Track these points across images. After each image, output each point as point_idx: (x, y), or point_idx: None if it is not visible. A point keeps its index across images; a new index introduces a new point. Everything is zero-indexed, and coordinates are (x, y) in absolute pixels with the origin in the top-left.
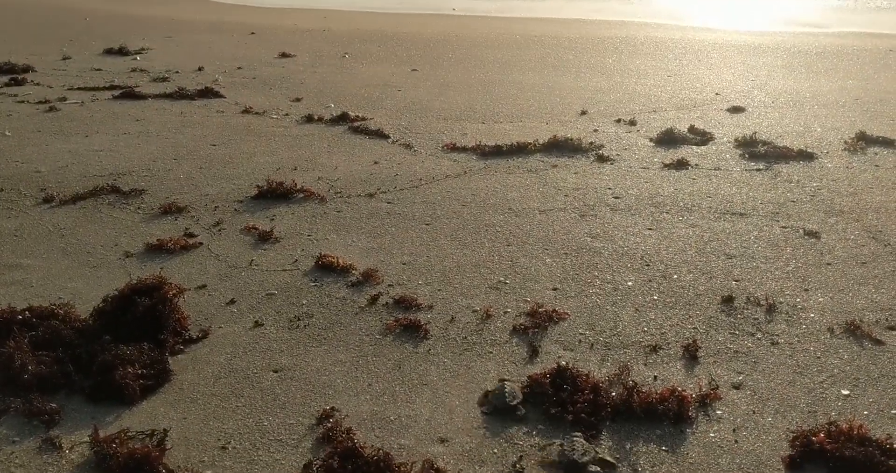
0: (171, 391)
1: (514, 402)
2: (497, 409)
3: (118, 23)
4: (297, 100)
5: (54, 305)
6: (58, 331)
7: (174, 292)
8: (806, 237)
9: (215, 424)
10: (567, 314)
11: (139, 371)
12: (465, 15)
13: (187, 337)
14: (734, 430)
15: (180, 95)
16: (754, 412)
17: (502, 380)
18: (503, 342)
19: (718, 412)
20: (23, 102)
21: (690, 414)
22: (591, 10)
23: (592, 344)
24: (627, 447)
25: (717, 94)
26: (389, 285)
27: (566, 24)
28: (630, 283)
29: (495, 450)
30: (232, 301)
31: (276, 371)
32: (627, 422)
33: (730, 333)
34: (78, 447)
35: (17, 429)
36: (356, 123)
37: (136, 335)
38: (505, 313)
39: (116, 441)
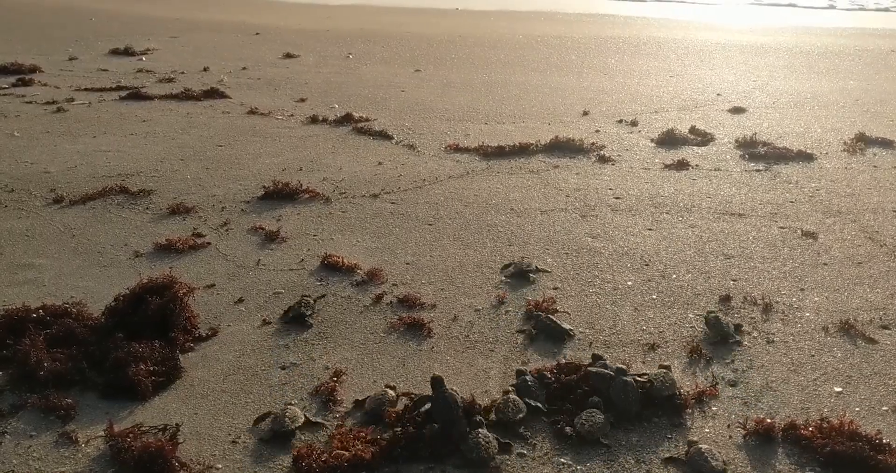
0: (182, 388)
1: (531, 268)
2: (514, 274)
3: (123, 23)
4: (302, 100)
5: (67, 303)
6: (71, 329)
7: (184, 291)
8: (803, 238)
9: (225, 419)
10: (567, 313)
11: (151, 368)
12: (469, 10)
13: (197, 335)
14: (728, 426)
15: (186, 95)
16: (749, 409)
17: (522, 258)
18: (504, 340)
19: (714, 408)
20: (30, 102)
21: (687, 410)
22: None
23: (592, 342)
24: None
25: (718, 94)
26: (393, 285)
27: (570, 24)
28: (630, 282)
29: None
30: (240, 300)
31: (283, 368)
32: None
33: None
34: (93, 441)
35: (34, 424)
36: (360, 124)
37: (147, 332)
38: (507, 312)
39: (131, 435)
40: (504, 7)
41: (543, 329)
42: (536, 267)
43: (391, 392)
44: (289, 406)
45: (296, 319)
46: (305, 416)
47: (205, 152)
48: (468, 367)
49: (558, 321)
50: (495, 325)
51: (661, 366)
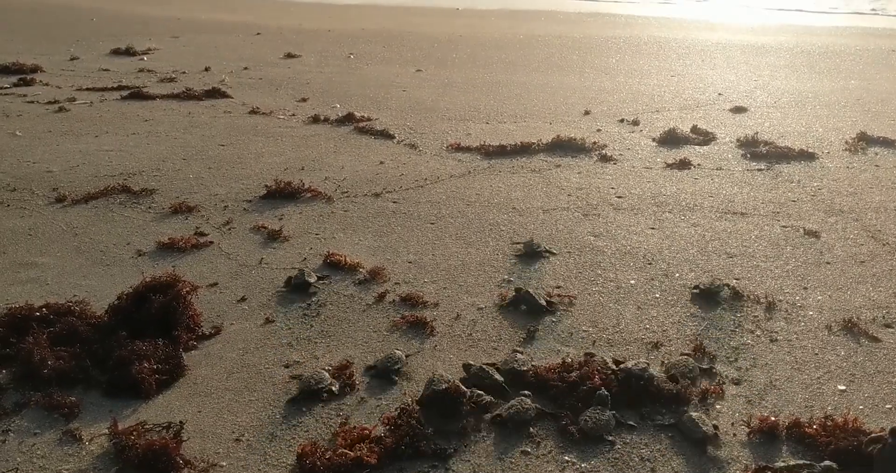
0: (185, 386)
1: (540, 249)
2: (527, 253)
3: (124, 23)
4: (304, 100)
5: (70, 302)
6: (75, 327)
7: (188, 289)
8: (806, 237)
9: (229, 417)
10: (570, 311)
11: (154, 366)
12: (470, 10)
13: (200, 333)
14: (732, 424)
15: (188, 95)
16: (753, 407)
17: (531, 238)
18: (507, 338)
19: (718, 406)
20: (32, 102)
21: (691, 407)
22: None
23: (595, 341)
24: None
25: (719, 94)
26: (396, 283)
27: (571, 24)
28: (632, 281)
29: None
30: (243, 298)
31: (286, 367)
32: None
33: (730, 330)
34: (97, 438)
35: (38, 422)
36: (362, 124)
37: (150, 331)
38: (509, 310)
39: (134, 433)
40: (505, 7)
41: (526, 301)
42: (545, 248)
43: (399, 353)
44: (319, 370)
45: (298, 287)
46: (332, 379)
47: (207, 152)
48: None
49: (536, 296)
50: (498, 323)
51: (682, 354)
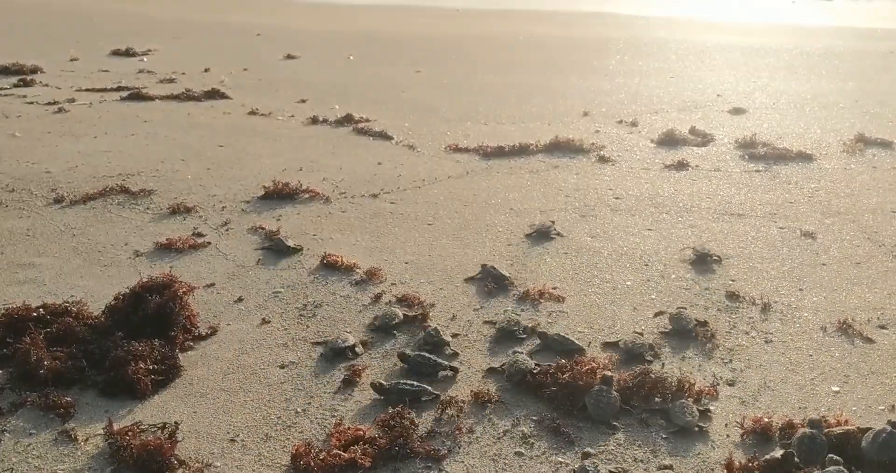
0: (181, 386)
1: (550, 230)
2: (538, 234)
3: (124, 23)
4: (303, 101)
5: (67, 302)
6: (71, 328)
7: (184, 290)
8: (802, 238)
9: (224, 417)
10: (566, 312)
11: (150, 367)
12: (470, 11)
13: (196, 334)
14: (726, 425)
15: (187, 96)
16: (746, 408)
17: (545, 221)
18: (504, 338)
19: (712, 407)
20: (32, 103)
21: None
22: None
23: (590, 342)
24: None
25: (718, 95)
26: (392, 284)
27: (570, 25)
28: (629, 282)
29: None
30: (239, 299)
31: (282, 367)
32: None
33: (725, 331)
34: (93, 439)
35: (33, 422)
36: (360, 125)
37: (146, 331)
38: (505, 311)
39: (130, 433)
40: (504, 7)
41: (492, 276)
42: (556, 231)
43: (397, 311)
44: (343, 332)
45: (277, 247)
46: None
47: (205, 153)
48: (466, 367)
49: (500, 270)
50: (493, 324)
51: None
